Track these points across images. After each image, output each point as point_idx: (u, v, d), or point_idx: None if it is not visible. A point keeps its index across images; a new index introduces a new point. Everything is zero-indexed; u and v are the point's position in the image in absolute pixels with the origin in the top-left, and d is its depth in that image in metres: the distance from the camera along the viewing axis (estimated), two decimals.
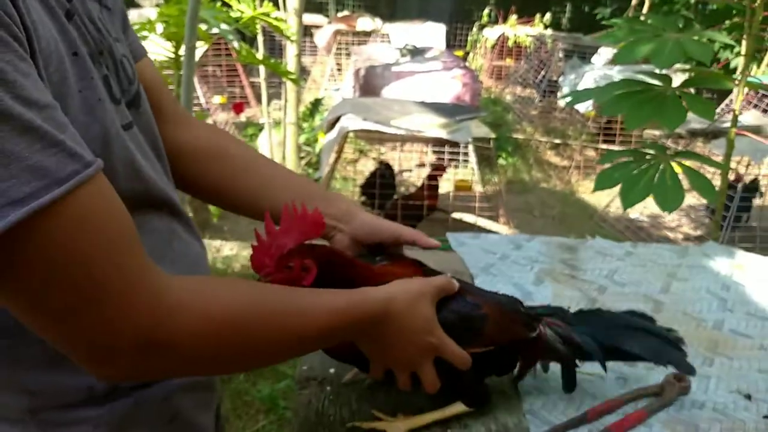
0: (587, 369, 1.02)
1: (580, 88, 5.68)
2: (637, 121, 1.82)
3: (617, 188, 1.78)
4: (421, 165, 4.15)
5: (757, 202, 3.36)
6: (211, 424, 0.83)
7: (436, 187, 3.57)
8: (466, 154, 3.71)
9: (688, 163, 1.82)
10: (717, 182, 2.13)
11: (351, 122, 3.13)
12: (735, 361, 1.08)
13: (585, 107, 5.71)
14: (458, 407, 0.88)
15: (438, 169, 3.62)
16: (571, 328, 0.93)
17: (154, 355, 0.56)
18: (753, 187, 3.47)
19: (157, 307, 0.55)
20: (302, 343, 0.71)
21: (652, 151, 1.87)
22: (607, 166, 1.89)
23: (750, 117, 4.04)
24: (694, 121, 4.15)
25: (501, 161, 5.52)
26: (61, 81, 0.54)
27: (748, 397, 0.97)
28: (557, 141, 6.00)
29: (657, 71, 1.97)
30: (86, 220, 0.50)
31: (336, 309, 0.71)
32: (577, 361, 0.93)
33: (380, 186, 3.70)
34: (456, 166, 3.85)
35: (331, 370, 1.01)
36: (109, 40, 0.66)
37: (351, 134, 3.27)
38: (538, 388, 0.96)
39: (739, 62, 2.11)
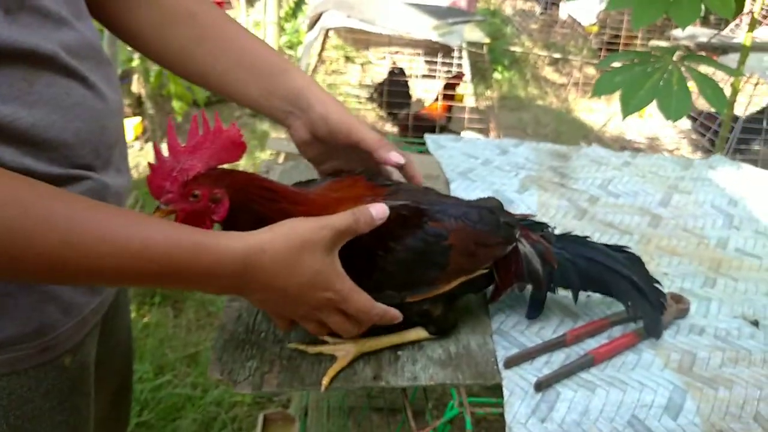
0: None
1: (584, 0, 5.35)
2: (646, 17, 1.60)
3: (614, 108, 1.60)
4: (410, 76, 3.90)
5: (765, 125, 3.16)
6: (88, 302, 0.69)
7: (453, 97, 3.37)
8: (460, 65, 3.47)
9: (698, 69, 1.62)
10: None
11: (333, 19, 2.87)
12: (740, 282, 0.93)
13: (588, 21, 5.40)
14: (419, 333, 0.74)
15: (457, 77, 3.39)
16: (552, 247, 0.78)
17: None
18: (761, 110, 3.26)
19: None
20: (82, 277, 0.55)
21: (658, 55, 1.67)
22: (608, 69, 1.69)
23: (760, 33, 3.79)
24: (703, 35, 3.89)
25: (496, 75, 5.26)
26: None
27: (755, 323, 0.83)
28: (557, 56, 5.70)
29: None
30: None
31: (146, 248, 0.54)
32: (551, 287, 0.79)
33: (392, 93, 3.48)
34: (448, 77, 3.60)
35: None
36: None
37: (332, 32, 3.02)
38: (511, 306, 0.82)
39: None
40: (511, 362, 0.71)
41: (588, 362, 0.72)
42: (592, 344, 0.76)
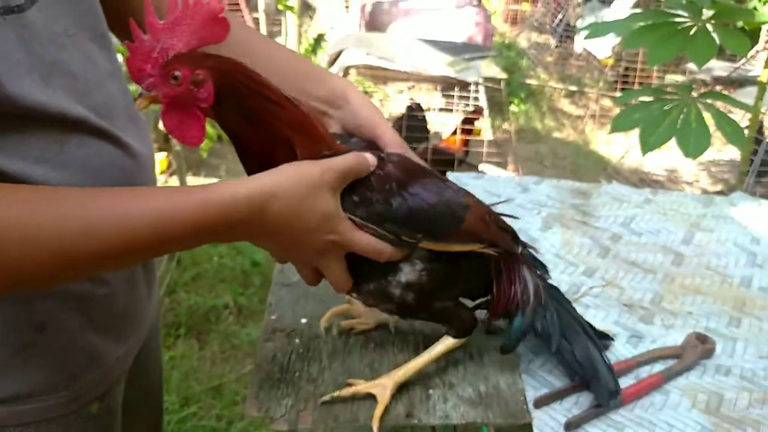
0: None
1: None
2: (661, 56, 1.64)
3: (632, 140, 1.63)
4: (428, 109, 3.97)
5: None
6: (114, 351, 0.70)
7: (471, 131, 3.41)
8: (477, 99, 3.53)
9: (716, 105, 1.65)
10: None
11: (352, 57, 2.94)
12: (765, 322, 0.94)
13: (603, 53, 5.45)
14: (444, 343, 0.75)
15: (476, 112, 3.44)
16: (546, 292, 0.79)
17: None
18: None
19: None
20: (99, 264, 0.55)
21: (675, 91, 1.70)
22: (625, 106, 1.72)
23: None
24: (719, 68, 3.92)
25: (513, 108, 5.31)
26: None
27: None
28: (572, 88, 5.75)
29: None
30: None
31: (158, 219, 0.54)
32: (535, 325, 0.77)
33: (411, 128, 3.54)
34: (466, 111, 3.66)
35: (303, 321, 0.89)
36: None
37: (352, 70, 3.09)
38: (538, 346, 0.83)
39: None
40: (541, 402, 0.73)
41: (616, 403, 0.73)
42: (621, 384, 0.77)
